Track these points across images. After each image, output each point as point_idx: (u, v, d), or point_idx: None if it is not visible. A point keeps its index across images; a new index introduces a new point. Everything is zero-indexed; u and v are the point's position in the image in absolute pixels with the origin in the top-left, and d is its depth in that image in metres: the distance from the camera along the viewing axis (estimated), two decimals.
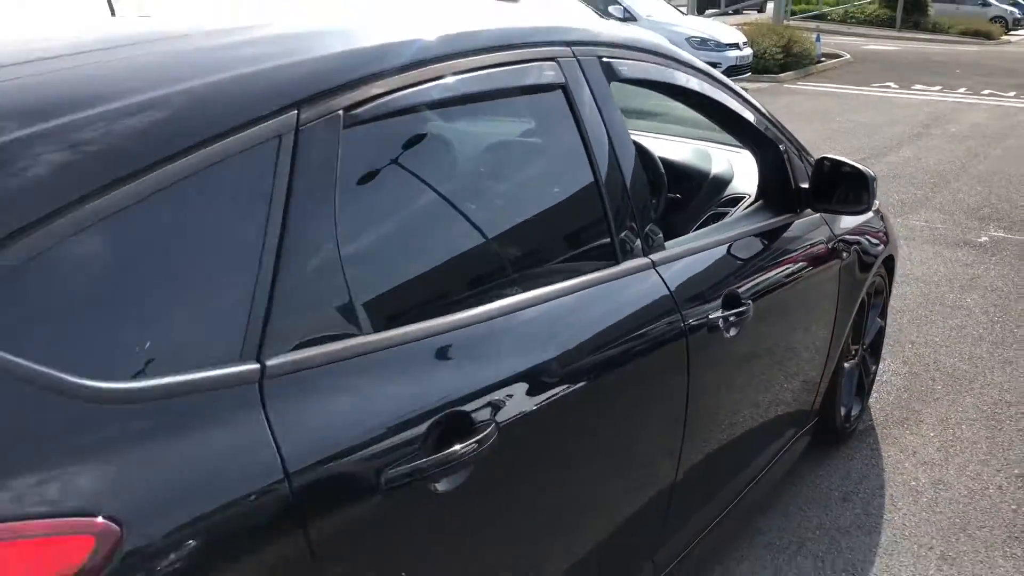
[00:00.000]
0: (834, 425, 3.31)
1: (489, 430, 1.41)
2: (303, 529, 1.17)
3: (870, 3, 29.54)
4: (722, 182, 2.87)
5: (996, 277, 5.53)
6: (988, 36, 28.01)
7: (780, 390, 2.70)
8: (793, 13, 26.70)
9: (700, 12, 24.86)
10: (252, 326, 1.19)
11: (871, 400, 3.75)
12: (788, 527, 2.94)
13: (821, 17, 27.79)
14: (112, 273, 1.10)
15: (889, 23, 27.93)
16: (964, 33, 27.69)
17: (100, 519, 0.97)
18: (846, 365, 3.29)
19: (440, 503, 1.36)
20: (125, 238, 1.10)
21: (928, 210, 7.04)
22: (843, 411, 3.35)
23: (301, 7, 1.82)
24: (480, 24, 1.73)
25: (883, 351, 3.84)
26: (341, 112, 1.36)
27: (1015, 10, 36.56)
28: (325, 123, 1.33)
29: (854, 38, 24.72)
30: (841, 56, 19.03)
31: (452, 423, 1.38)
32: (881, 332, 3.68)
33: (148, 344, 1.09)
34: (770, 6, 28.45)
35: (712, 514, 2.41)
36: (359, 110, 1.39)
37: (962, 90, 15.42)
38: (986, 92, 15.29)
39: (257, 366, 1.18)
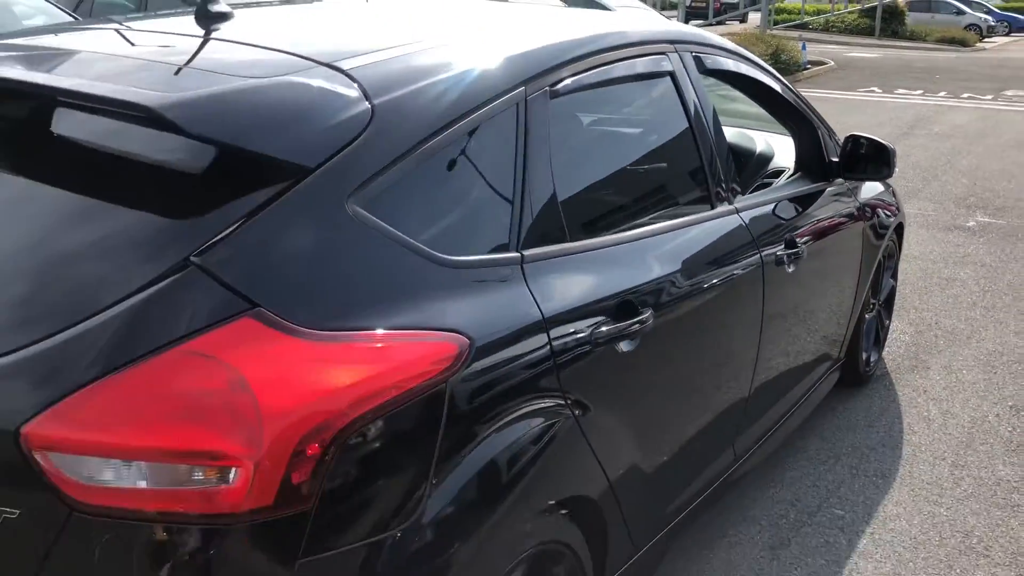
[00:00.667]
0: (856, 368, 3.90)
1: (647, 314, 2.00)
2: (551, 347, 1.74)
3: (850, 13, 30.43)
4: (765, 158, 3.47)
5: (984, 254, 6.16)
6: (964, 43, 28.93)
7: (820, 327, 3.29)
8: (775, 23, 27.52)
9: (686, 22, 25.61)
10: (514, 230, 1.78)
11: (884, 352, 4.35)
12: (824, 447, 3.52)
13: (803, 26, 28.59)
14: (445, 189, 1.69)
15: (868, 32, 28.81)
16: (941, 40, 28.60)
17: (460, 337, 1.55)
18: (867, 316, 3.89)
19: (620, 358, 1.95)
20: (451, 163, 1.69)
21: (920, 200, 7.68)
22: (864, 356, 3.95)
23: (471, 23, 2.41)
24: (618, 28, 2.33)
25: (892, 313, 4.44)
26: (547, 88, 1.95)
27: (989, 18, 37.60)
28: (540, 95, 1.92)
29: (836, 46, 25.50)
30: (826, 63, 19.77)
31: (624, 304, 1.96)
32: (893, 291, 4.29)
33: (469, 236, 1.69)
34: (752, 16, 29.33)
35: (770, 422, 2.99)
36: (557, 87, 1.98)
37: (942, 94, 16.17)
38: (965, 95, 16.05)
39: (519, 255, 1.77)
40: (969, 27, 33.60)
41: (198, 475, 1.26)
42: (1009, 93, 16.81)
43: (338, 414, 1.34)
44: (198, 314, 1.32)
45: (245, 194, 1.43)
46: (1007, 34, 39.41)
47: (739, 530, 2.98)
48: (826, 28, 29.53)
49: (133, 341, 1.28)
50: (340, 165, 1.52)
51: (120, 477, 1.25)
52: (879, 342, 4.20)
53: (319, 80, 1.63)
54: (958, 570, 2.80)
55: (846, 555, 2.86)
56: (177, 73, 1.66)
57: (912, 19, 30.65)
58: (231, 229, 1.39)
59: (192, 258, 1.35)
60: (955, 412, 3.84)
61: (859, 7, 30.41)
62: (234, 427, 1.26)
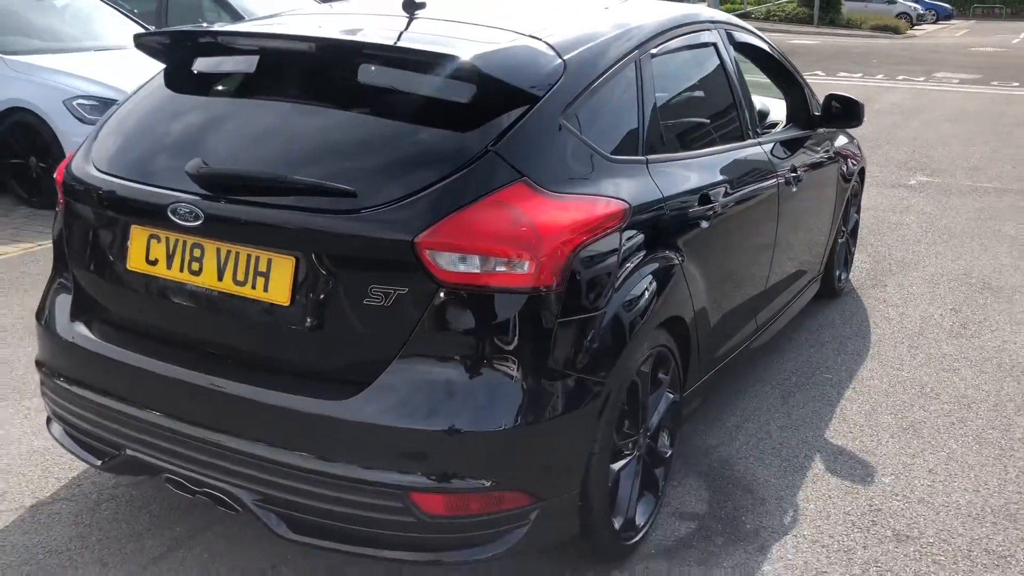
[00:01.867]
0: (831, 283, 4.95)
1: (718, 204, 2.98)
2: (666, 215, 2.71)
3: (789, 2, 31.90)
4: (765, 112, 4.48)
5: (924, 205, 7.31)
6: (896, 31, 30.60)
7: (809, 241, 4.32)
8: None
9: None
10: (641, 143, 2.74)
11: (851, 275, 5.41)
12: (812, 337, 4.56)
13: (745, 16, 29.98)
14: (604, 114, 2.64)
15: (807, 20, 30.32)
16: (875, 28, 30.23)
17: (623, 203, 2.51)
18: (839, 241, 4.93)
19: (702, 230, 2.93)
20: (605, 98, 2.65)
21: (870, 165, 8.78)
22: (837, 273, 5.00)
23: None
24: (680, 12, 3.31)
25: (856, 244, 5.50)
26: (650, 52, 2.92)
27: (918, 6, 39.46)
28: (646, 57, 2.89)
29: (778, 34, 26.86)
30: None
31: (703, 198, 2.95)
32: (856, 223, 5.36)
33: (619, 143, 2.65)
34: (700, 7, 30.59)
35: (780, 305, 4.00)
36: (655, 51, 2.95)
37: (880, 76, 17.52)
38: (900, 77, 17.43)
39: (644, 158, 2.74)
40: (900, 15, 35.38)
41: (502, 267, 2.20)
42: (939, 75, 18.25)
43: (572, 235, 2.29)
44: (496, 179, 2.26)
45: (509, 110, 2.37)
46: (935, 22, 41.40)
47: (756, 388, 3.99)
48: (767, 17, 30.96)
49: (466, 193, 2.22)
50: (553, 96, 2.46)
51: (466, 265, 2.18)
52: (847, 264, 5.26)
53: (530, 44, 2.58)
54: (917, 408, 3.84)
55: (836, 401, 3.89)
56: (441, 41, 2.59)
57: (847, 8, 32.27)
58: (506, 131, 2.33)
59: (489, 148, 2.29)
60: (908, 313, 4.91)
61: None
62: (522, 240, 2.21)
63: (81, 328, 2.66)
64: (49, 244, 5.73)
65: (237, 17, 9.19)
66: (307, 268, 2.27)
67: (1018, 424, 3.70)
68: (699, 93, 3.43)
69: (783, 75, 4.21)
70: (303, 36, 2.68)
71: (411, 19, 2.81)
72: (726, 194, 3.13)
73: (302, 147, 2.43)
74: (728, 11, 30.65)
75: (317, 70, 2.62)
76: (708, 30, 3.42)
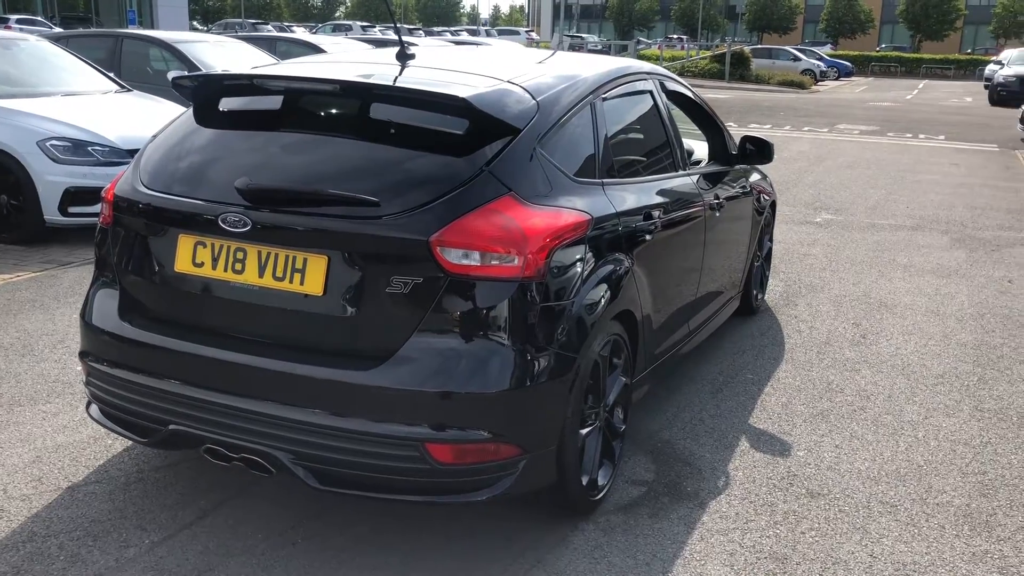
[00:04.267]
0: (749, 301, 5.64)
1: (659, 220, 3.61)
2: (619, 227, 3.32)
3: (702, 59, 33.58)
4: (690, 151, 5.17)
5: (829, 239, 8.15)
6: (801, 86, 32.45)
7: (730, 262, 4.99)
8: None
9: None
10: (598, 169, 3.36)
11: (766, 296, 6.12)
12: (733, 346, 5.21)
13: None
14: (568, 145, 3.25)
15: (719, 75, 31.96)
16: (782, 83, 32.01)
17: (587, 214, 3.10)
18: (755, 264, 5.63)
19: (647, 242, 3.54)
20: (569, 134, 3.25)
21: (780, 205, 9.65)
22: (754, 292, 5.70)
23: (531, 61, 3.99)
24: (624, 64, 3.97)
25: (770, 268, 6.23)
26: (602, 96, 3.55)
27: (821, 64, 41.81)
28: (599, 100, 3.52)
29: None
30: None
31: (647, 215, 3.57)
32: (770, 251, 6.09)
33: (580, 169, 3.26)
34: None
35: (707, 314, 4.65)
36: (605, 94, 3.59)
37: (787, 127, 18.78)
38: (806, 128, 18.71)
39: (600, 181, 3.35)
40: (805, 72, 37.46)
41: (497, 261, 2.77)
42: (841, 126, 19.64)
43: (550, 238, 2.88)
44: (490, 192, 2.84)
45: (496, 139, 2.96)
46: (837, 78, 43.87)
47: (689, 386, 4.61)
48: (682, 72, 32.48)
49: (468, 203, 2.79)
50: (530, 129, 3.06)
51: (468, 259, 2.74)
52: (763, 285, 5.98)
53: (509, 88, 3.18)
54: (825, 400, 4.50)
55: (757, 395, 4.53)
56: (440, 83, 3.18)
57: (756, 64, 34.11)
58: (495, 155, 2.91)
59: (483, 168, 2.87)
60: (816, 327, 5.63)
61: (710, 54, 33.60)
62: (512, 239, 2.78)
63: (130, 322, 3.12)
64: (27, 274, 6.10)
65: (191, 66, 9.65)
66: (338, 264, 2.80)
67: (907, 411, 4.39)
68: (640, 130, 4.08)
69: (705, 119, 4.91)
70: (327, 79, 3.24)
71: (404, 67, 3.40)
72: (664, 213, 3.76)
73: (328, 167, 2.98)
74: None
75: (338, 105, 3.18)
76: (645, 79, 4.09)
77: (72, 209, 6.88)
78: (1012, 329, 5.71)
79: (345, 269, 2.81)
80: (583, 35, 51.27)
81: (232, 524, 3.21)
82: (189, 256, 2.99)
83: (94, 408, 3.36)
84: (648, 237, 3.56)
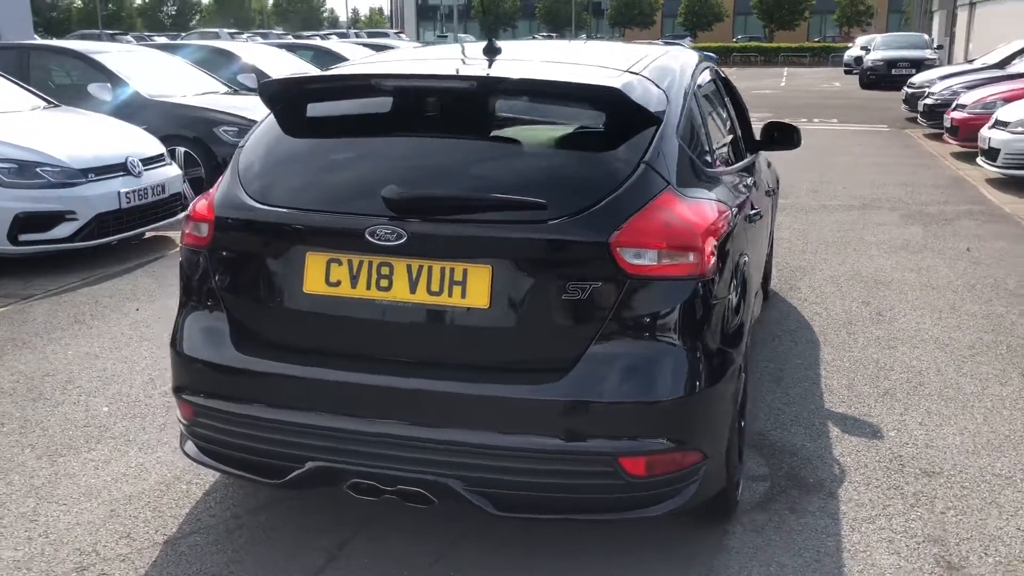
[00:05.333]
0: (767, 287, 5.67)
1: (760, 206, 3.53)
2: (738, 218, 3.23)
3: None
4: None
5: (791, 222, 8.32)
6: None
7: (768, 245, 4.98)
8: None
9: None
10: (712, 158, 3.25)
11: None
12: (764, 333, 5.21)
13: None
14: (692, 131, 3.12)
15: None
16: None
17: (726, 205, 2.99)
18: (771, 248, 5.67)
19: (752, 230, 3.45)
20: (689, 121, 3.12)
21: None
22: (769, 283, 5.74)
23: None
24: (694, 53, 3.87)
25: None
26: (698, 84, 3.44)
27: None
28: (696, 88, 3.41)
29: None
30: None
31: (752, 203, 3.49)
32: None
33: (706, 157, 3.14)
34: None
35: (760, 302, 4.62)
36: (699, 83, 3.48)
37: None
38: None
39: (719, 169, 3.24)
40: None
41: (672, 260, 2.62)
42: None
43: (714, 232, 2.75)
44: (654, 187, 2.69)
45: (644, 129, 2.81)
46: None
47: (749, 376, 4.56)
48: None
49: (637, 200, 2.63)
50: (668, 118, 2.93)
51: (646, 259, 2.58)
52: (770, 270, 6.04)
53: (639, 78, 3.03)
54: (882, 378, 4.54)
55: (817, 379, 4.53)
56: (570, 75, 2.99)
57: None
58: (647, 147, 2.76)
59: (642, 161, 2.72)
60: (831, 308, 5.70)
61: None
62: (687, 236, 2.64)
63: (248, 351, 2.82)
64: None
65: (112, 78, 9.00)
66: (503, 273, 2.60)
67: (963, 384, 4.47)
68: (719, 118, 4.00)
69: (737, 105, 4.88)
70: (462, 75, 2.99)
71: (515, 61, 3.17)
72: (756, 200, 3.69)
73: (476, 170, 2.76)
74: None
75: (474, 103, 2.95)
76: (710, 66, 4.01)
77: (23, 237, 6.30)
78: (1007, 297, 5.94)
79: (512, 278, 2.61)
80: (461, 35, 51.15)
81: (368, 563, 2.95)
82: (321, 276, 2.72)
83: (190, 446, 3.03)
84: (751, 225, 3.48)
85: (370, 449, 2.69)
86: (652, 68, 3.21)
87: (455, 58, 3.41)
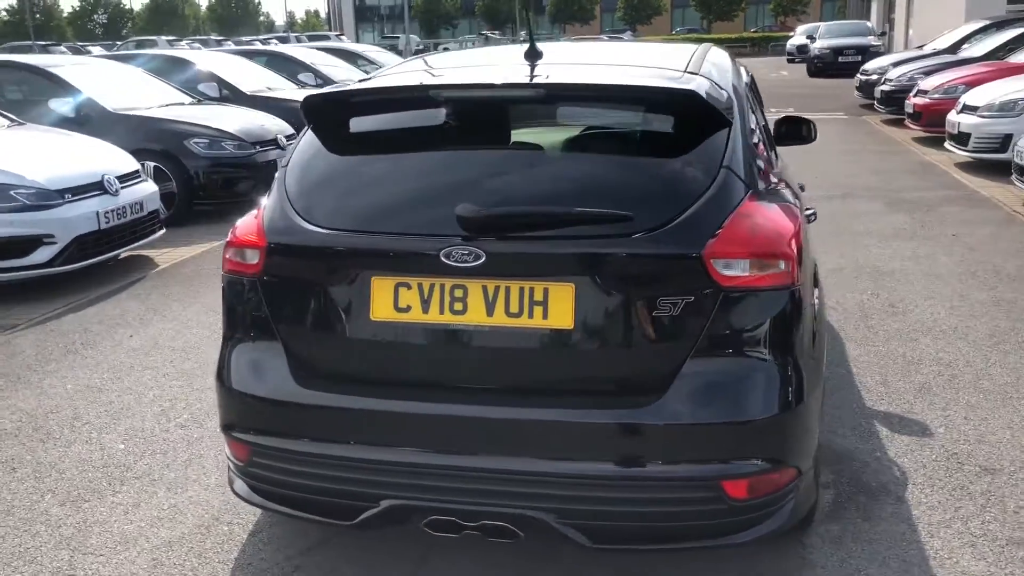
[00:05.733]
0: None
1: (808, 208, 3.44)
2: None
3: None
4: None
5: None
6: None
7: None
8: None
9: None
10: (772, 158, 3.13)
11: None
12: None
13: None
14: (749, 132, 3.00)
15: None
16: None
17: (797, 208, 2.88)
18: None
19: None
20: (747, 120, 3.01)
21: None
22: None
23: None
24: (725, 51, 3.76)
25: None
26: (744, 83, 3.33)
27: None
28: (744, 85, 3.29)
29: None
30: None
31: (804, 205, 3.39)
32: None
33: (765, 159, 3.02)
34: None
35: None
36: (745, 84, 3.37)
37: None
38: None
39: (779, 168, 3.13)
40: None
41: (763, 270, 2.49)
42: None
43: (797, 239, 2.63)
44: (737, 193, 2.56)
45: (717, 131, 2.68)
46: None
47: None
48: None
49: (723, 207, 2.50)
50: (736, 119, 2.80)
51: (738, 270, 2.45)
52: None
53: (703, 79, 2.90)
54: (914, 372, 4.49)
55: (849, 377, 4.45)
56: (634, 79, 2.85)
57: None
58: (724, 151, 2.63)
59: (722, 166, 2.59)
60: (843, 301, 5.66)
61: None
62: (778, 244, 2.52)
63: (309, 385, 2.63)
64: None
65: (72, 91, 8.63)
66: (587, 291, 2.45)
67: (996, 375, 4.44)
68: (759, 115, 3.90)
69: (760, 101, 4.80)
70: (526, 83, 2.81)
71: (568, 65, 3.02)
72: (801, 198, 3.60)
73: (551, 183, 2.61)
74: None
75: (539, 112, 2.80)
76: (749, 75, 3.90)
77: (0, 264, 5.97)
78: (1009, 283, 5.95)
79: (596, 296, 2.46)
80: (398, 35, 50.70)
81: None
82: (389, 301, 2.54)
83: (241, 486, 2.84)
84: (809, 227, 3.38)
85: (450, 484, 2.53)
86: (707, 67, 3.09)
87: (503, 64, 3.23)
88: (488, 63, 3.35)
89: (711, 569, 2.87)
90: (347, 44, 21.11)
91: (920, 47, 18.60)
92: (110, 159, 6.92)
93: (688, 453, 2.45)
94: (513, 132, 2.85)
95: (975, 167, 10.33)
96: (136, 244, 6.87)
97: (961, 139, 10.27)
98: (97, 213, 6.36)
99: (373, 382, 2.62)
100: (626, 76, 2.91)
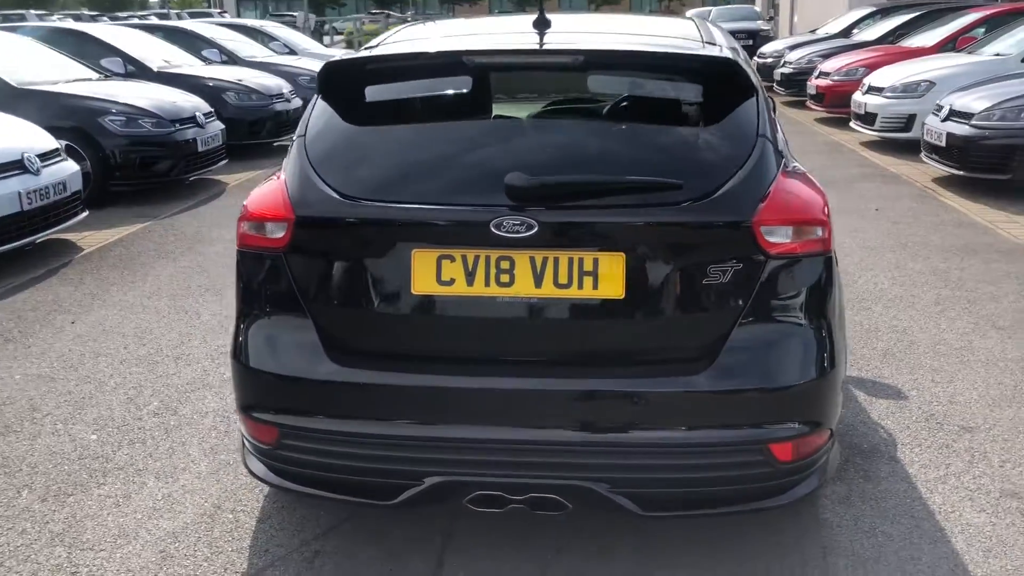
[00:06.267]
0: None
1: None
2: None
3: (367, 34, 33.42)
4: None
5: None
6: None
7: None
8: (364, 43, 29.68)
9: None
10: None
11: None
12: None
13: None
14: None
15: None
16: None
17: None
18: None
19: None
20: None
21: None
22: None
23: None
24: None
25: None
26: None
27: None
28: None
29: None
30: None
31: None
32: None
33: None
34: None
35: None
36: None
37: None
38: None
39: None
40: None
41: (805, 236, 2.53)
42: None
43: (826, 200, 2.68)
44: (774, 161, 2.60)
45: (749, 100, 2.69)
46: None
47: None
48: (349, 44, 32.07)
49: (765, 176, 2.53)
50: (759, 87, 2.83)
51: (782, 236, 2.48)
52: None
53: (725, 48, 2.91)
54: (875, 340, 4.67)
55: None
56: (671, 46, 2.85)
57: None
58: (758, 118, 2.66)
59: (759, 135, 2.61)
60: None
61: (377, 27, 33.80)
62: (816, 211, 2.55)
63: (349, 362, 2.54)
64: None
65: None
66: (637, 260, 2.44)
67: (948, 339, 4.66)
68: None
69: None
70: (561, 50, 2.76)
71: (536, 33, 2.95)
72: None
73: (596, 151, 2.58)
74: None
75: (575, 80, 2.76)
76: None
77: None
78: (940, 253, 6.25)
79: (647, 265, 2.46)
80: (293, 13, 49.32)
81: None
82: (432, 274, 2.48)
83: (261, 469, 2.73)
84: None
85: (499, 458, 2.49)
86: (719, 37, 3.11)
87: (520, 31, 3.16)
88: (504, 31, 3.27)
89: (734, 533, 2.93)
90: (243, 20, 20.37)
91: (813, 31, 19.27)
92: (29, 136, 6.50)
93: (738, 418, 2.48)
94: (550, 99, 2.81)
95: (881, 145, 10.80)
96: (59, 227, 6.48)
97: (867, 119, 10.70)
98: (19, 194, 5.97)
99: (414, 357, 2.55)
100: (659, 44, 2.91)
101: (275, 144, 11.10)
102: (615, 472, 2.48)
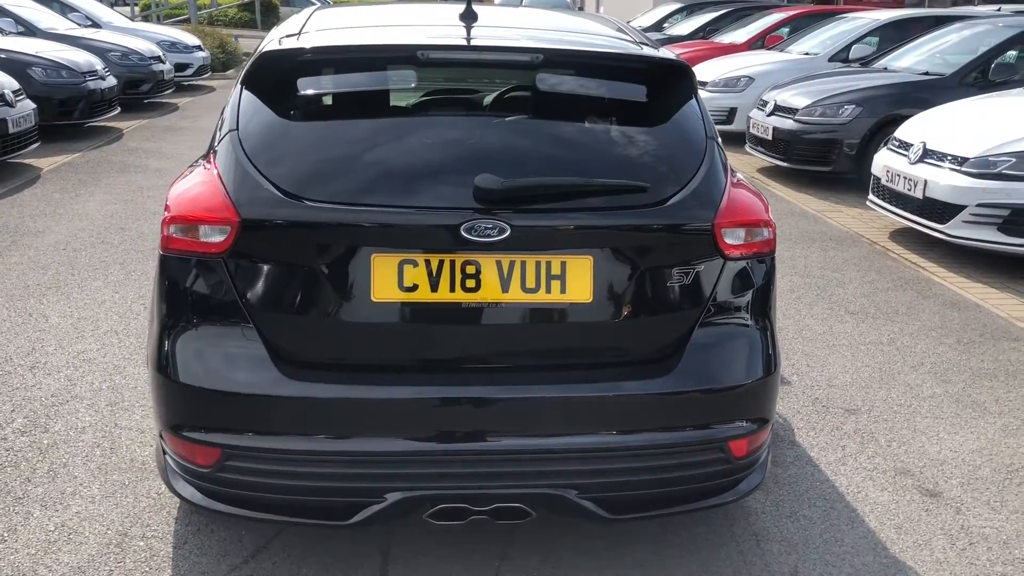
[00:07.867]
0: None
1: None
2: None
3: (231, 7, 32.07)
4: None
5: None
6: None
7: None
8: (167, 16, 28.02)
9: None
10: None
11: None
12: None
13: (187, 20, 29.43)
14: None
15: (252, 24, 30.86)
16: None
17: None
18: None
19: None
20: None
21: None
22: None
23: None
24: None
25: None
26: None
27: None
28: None
29: (235, 39, 26.98)
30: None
31: None
32: None
33: None
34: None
35: None
36: None
37: None
38: None
39: None
40: None
41: (759, 236, 2.58)
42: None
43: (767, 205, 2.76)
44: (724, 164, 2.64)
45: (691, 102, 2.72)
46: None
47: None
48: (211, 22, 30.70)
49: (721, 178, 2.56)
50: (696, 94, 2.88)
51: (736, 238, 2.52)
52: None
53: (666, 50, 2.92)
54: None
55: None
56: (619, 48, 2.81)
57: (284, 12, 33.46)
58: (704, 120, 2.69)
59: (708, 137, 2.65)
60: None
61: (238, 2, 32.25)
62: (764, 212, 2.61)
63: (301, 375, 2.37)
64: None
65: None
66: (603, 263, 2.42)
67: (812, 326, 4.96)
68: None
69: None
70: (522, 48, 2.68)
71: (469, 27, 2.87)
72: None
73: (555, 154, 2.53)
74: (171, 16, 29.89)
75: (527, 79, 2.66)
76: None
77: None
78: (781, 241, 6.57)
79: (613, 268, 2.45)
80: None
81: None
82: (393, 280, 2.35)
83: (194, 493, 2.51)
84: None
85: (464, 470, 2.41)
86: (641, 36, 3.13)
87: (448, 24, 3.00)
88: (430, 23, 3.12)
89: (670, 530, 2.98)
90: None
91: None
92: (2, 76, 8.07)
93: (702, 417, 2.52)
94: (500, 98, 2.72)
95: None
96: (25, 150, 8.07)
97: None
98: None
99: (374, 368, 2.41)
100: (603, 45, 2.88)
101: (86, 125, 10.26)
102: (583, 478, 2.45)
